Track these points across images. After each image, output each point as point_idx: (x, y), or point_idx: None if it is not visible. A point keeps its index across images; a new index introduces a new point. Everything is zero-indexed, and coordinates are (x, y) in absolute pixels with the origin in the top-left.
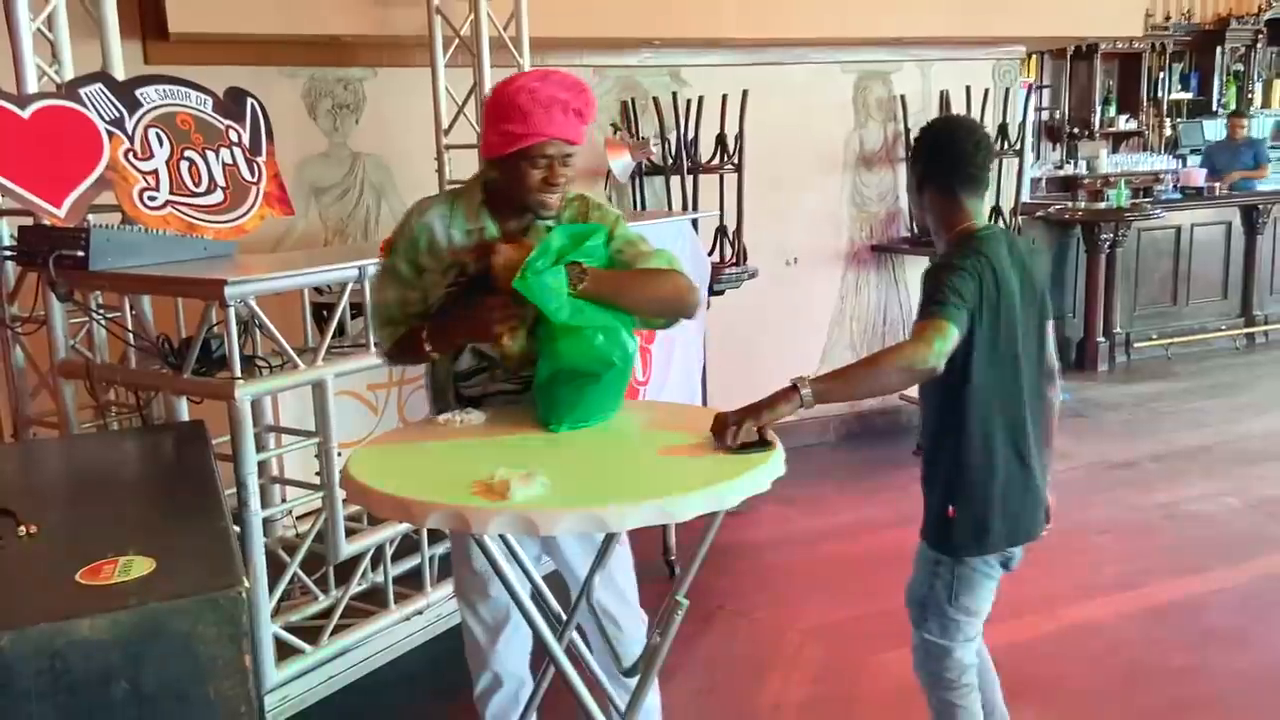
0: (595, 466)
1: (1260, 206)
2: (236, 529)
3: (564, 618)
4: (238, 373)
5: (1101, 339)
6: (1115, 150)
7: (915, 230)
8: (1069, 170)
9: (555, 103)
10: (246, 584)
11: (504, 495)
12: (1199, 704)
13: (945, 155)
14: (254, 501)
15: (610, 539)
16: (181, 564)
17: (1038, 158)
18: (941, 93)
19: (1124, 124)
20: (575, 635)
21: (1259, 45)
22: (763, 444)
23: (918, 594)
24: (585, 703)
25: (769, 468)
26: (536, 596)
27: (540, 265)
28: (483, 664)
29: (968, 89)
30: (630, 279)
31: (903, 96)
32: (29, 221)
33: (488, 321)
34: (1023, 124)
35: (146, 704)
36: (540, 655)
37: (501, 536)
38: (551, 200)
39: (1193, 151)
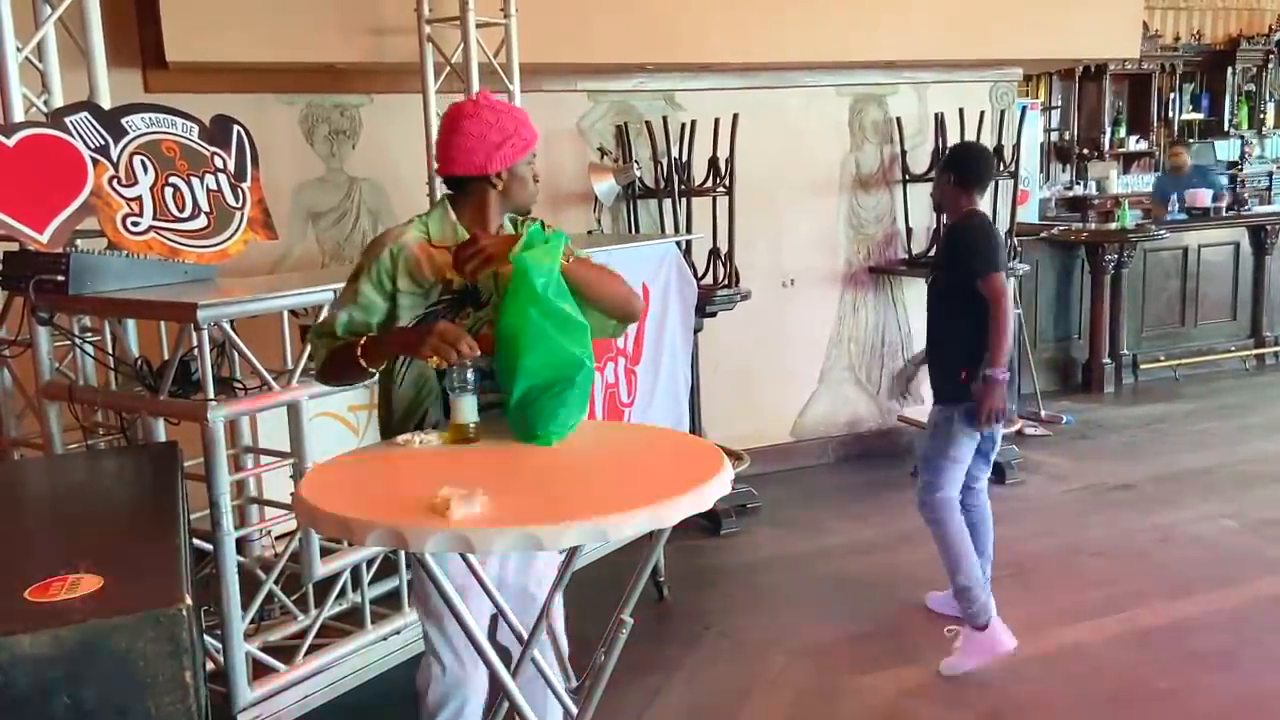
0: (541, 486)
1: (1268, 227)
2: (209, 547)
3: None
4: (211, 395)
5: (1107, 360)
6: (1126, 171)
7: (911, 252)
8: (1079, 191)
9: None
10: (189, 601)
11: (444, 514)
12: None
13: (971, 166)
14: (226, 522)
15: (571, 559)
16: (128, 582)
17: (1047, 178)
18: (937, 115)
19: (1134, 145)
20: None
21: (1270, 65)
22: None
23: (925, 451)
24: None
25: (710, 488)
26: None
27: (535, 242)
28: (454, 684)
29: (961, 111)
30: (603, 271)
31: (899, 119)
32: (15, 247)
33: (424, 339)
34: (1016, 146)
35: (87, 718)
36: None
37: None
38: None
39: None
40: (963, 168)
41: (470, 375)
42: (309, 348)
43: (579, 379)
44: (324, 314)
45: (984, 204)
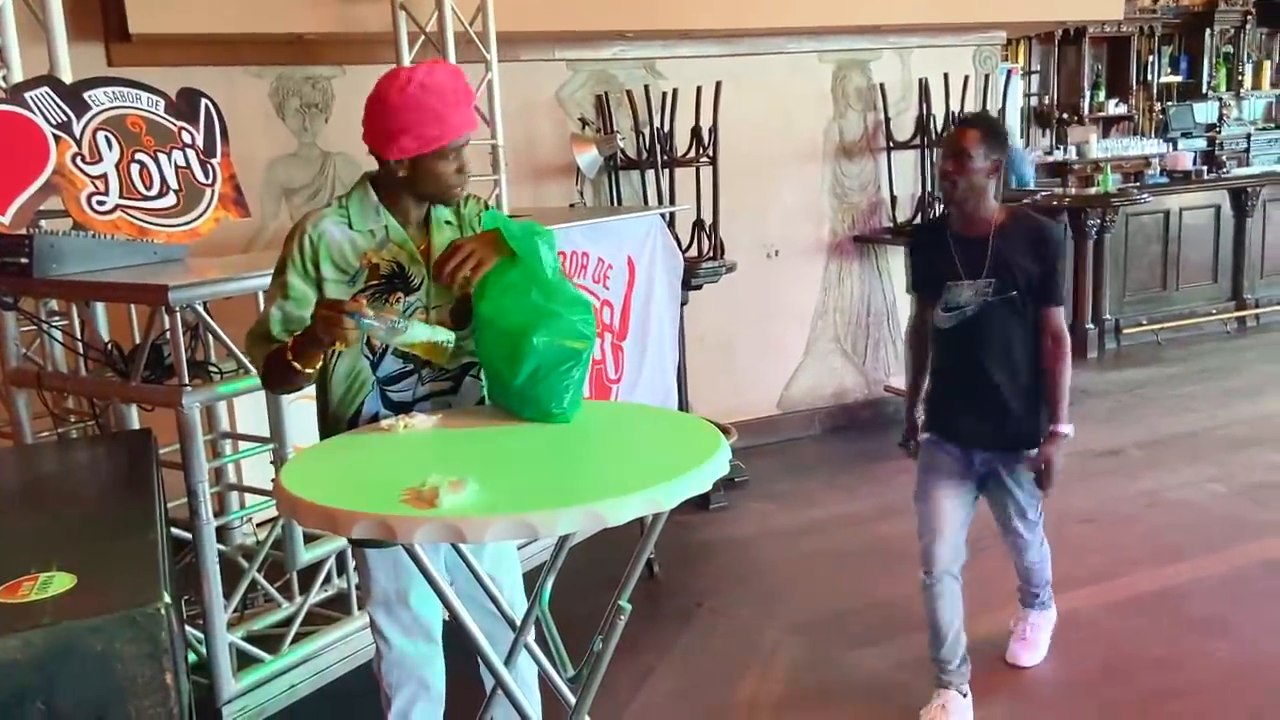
0: (532, 470)
1: (1249, 189)
2: (188, 535)
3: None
4: (185, 379)
5: (1090, 325)
6: (1105, 135)
7: (896, 220)
8: (1059, 156)
9: (458, 98)
10: (167, 599)
11: (433, 503)
12: (1175, 694)
13: (1006, 140)
14: (205, 510)
15: (564, 544)
16: (103, 580)
17: (1027, 144)
18: (921, 80)
19: (1114, 108)
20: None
21: (1248, 26)
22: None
23: (1033, 501)
24: (527, 716)
25: (709, 468)
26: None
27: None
28: (409, 673)
29: (946, 76)
30: None
31: (882, 85)
32: None
33: (318, 328)
34: (1002, 111)
35: None
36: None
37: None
38: (463, 187)
39: (1183, 135)
40: (1002, 142)
41: (392, 321)
42: (247, 355)
43: (585, 356)
44: (252, 325)
45: None
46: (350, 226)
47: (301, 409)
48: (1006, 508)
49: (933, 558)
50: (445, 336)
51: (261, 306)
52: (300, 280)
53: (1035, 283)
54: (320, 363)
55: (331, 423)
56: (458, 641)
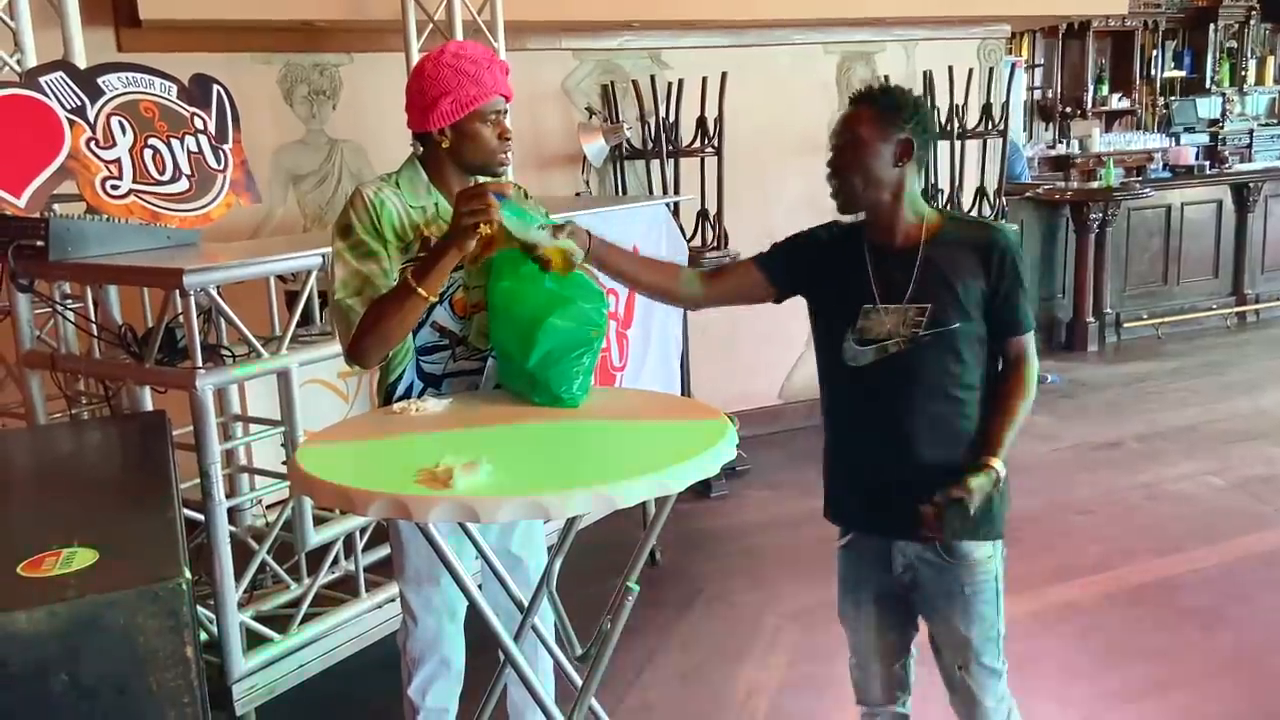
0: (545, 453)
1: (1251, 185)
2: (200, 517)
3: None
4: (199, 362)
5: (1091, 319)
6: (1108, 129)
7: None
8: (1062, 150)
9: (492, 62)
10: (188, 575)
11: (447, 483)
12: (1173, 684)
13: (931, 122)
14: (217, 491)
15: (572, 526)
16: (124, 555)
17: (1030, 137)
18: (925, 73)
19: (1117, 103)
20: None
21: (1252, 22)
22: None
23: (989, 620)
24: (537, 694)
25: (717, 451)
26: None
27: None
28: (431, 650)
29: (950, 69)
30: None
31: (886, 77)
32: None
33: (459, 222)
34: (1005, 104)
35: (86, 696)
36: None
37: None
38: (507, 154)
39: (1186, 130)
40: (908, 113)
41: (521, 207)
42: (338, 319)
43: (597, 343)
44: (336, 287)
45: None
46: (405, 200)
47: (310, 393)
48: (947, 647)
49: (864, 691)
50: (573, 249)
51: (340, 279)
52: (372, 240)
53: (987, 308)
54: (442, 286)
55: (380, 389)
56: (478, 622)
